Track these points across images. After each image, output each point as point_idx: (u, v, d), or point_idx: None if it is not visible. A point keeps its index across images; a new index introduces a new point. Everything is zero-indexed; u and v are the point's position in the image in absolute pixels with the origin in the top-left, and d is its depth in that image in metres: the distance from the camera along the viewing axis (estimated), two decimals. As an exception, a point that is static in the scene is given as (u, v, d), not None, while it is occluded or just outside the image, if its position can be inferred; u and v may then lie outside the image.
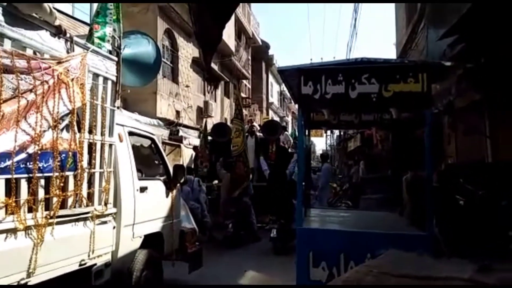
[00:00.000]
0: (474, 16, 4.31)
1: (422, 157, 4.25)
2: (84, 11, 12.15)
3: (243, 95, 24.72)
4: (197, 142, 14.20)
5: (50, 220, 3.14)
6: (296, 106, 4.76)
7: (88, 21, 11.27)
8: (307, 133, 6.22)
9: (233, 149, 9.47)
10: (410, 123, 5.51)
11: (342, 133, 22.96)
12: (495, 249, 3.74)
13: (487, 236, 3.98)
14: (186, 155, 14.42)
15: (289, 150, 11.82)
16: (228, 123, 16.19)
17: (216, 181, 10.50)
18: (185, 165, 10.26)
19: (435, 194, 4.61)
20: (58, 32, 3.40)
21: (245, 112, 19.63)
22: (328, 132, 27.36)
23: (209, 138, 12.12)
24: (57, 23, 3.40)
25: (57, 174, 3.20)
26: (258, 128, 13.46)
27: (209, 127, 12.72)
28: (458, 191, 4.69)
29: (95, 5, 6.38)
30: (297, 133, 6.97)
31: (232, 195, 8.91)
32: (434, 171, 4.72)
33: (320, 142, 42.92)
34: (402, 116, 5.07)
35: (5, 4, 2.84)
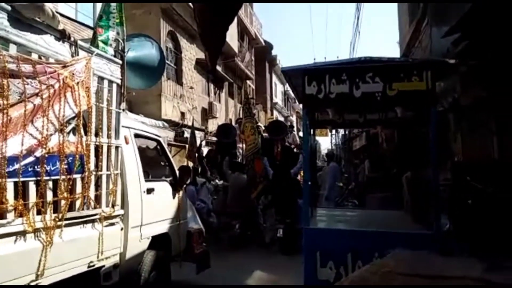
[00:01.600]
0: (477, 14, 4.29)
1: (428, 155, 4.24)
2: (87, 14, 12.21)
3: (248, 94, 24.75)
4: (202, 142, 14.21)
5: (59, 223, 3.16)
6: (301, 106, 4.77)
7: (91, 24, 11.32)
8: (312, 132, 6.22)
9: (249, 147, 9.28)
10: (415, 121, 5.50)
11: (347, 132, 22.88)
12: (506, 247, 3.72)
13: (498, 233, 3.95)
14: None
15: (295, 150, 11.80)
16: (233, 124, 16.20)
17: (221, 181, 10.50)
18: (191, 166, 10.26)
19: (447, 192, 4.60)
20: (63, 36, 3.42)
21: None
22: (333, 131, 27.27)
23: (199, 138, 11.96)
24: (60, 27, 3.42)
25: (64, 177, 3.23)
26: (263, 128, 13.45)
27: (212, 127, 12.69)
28: (466, 189, 4.67)
29: (98, 8, 6.41)
30: (301, 133, 6.94)
31: (252, 196, 8.85)
32: (440, 169, 4.71)
33: (325, 142, 42.80)
34: (407, 114, 5.06)
35: (9, 9, 2.86)
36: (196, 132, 16.77)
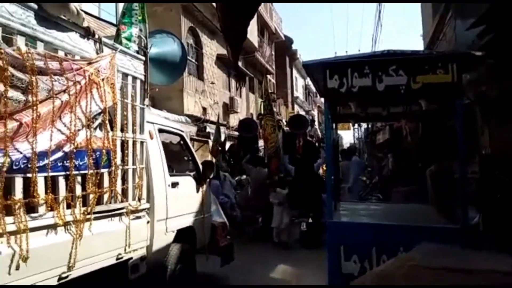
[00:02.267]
0: (503, 5, 4.17)
1: (453, 149, 4.16)
2: (109, 12, 12.40)
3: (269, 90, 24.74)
4: (225, 137, 14.26)
5: (88, 216, 3.24)
6: (322, 100, 4.74)
7: (114, 22, 11.51)
8: (334, 126, 6.17)
9: (270, 145, 9.34)
10: (441, 114, 5.39)
11: (370, 126, 22.61)
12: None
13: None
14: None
15: (317, 144, 11.75)
16: (254, 119, 16.22)
17: (244, 176, 10.55)
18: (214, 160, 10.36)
19: (473, 185, 4.51)
20: (87, 33, 3.47)
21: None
22: (356, 125, 26.97)
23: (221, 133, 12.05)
24: (85, 24, 3.48)
25: (92, 171, 3.31)
26: (284, 123, 13.43)
27: (233, 122, 12.69)
28: (494, 182, 4.57)
29: (120, 6, 6.51)
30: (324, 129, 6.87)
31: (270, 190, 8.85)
32: (467, 162, 4.62)
33: (348, 135, 42.35)
34: (431, 107, 4.97)
35: (36, 7, 2.93)
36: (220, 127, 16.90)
